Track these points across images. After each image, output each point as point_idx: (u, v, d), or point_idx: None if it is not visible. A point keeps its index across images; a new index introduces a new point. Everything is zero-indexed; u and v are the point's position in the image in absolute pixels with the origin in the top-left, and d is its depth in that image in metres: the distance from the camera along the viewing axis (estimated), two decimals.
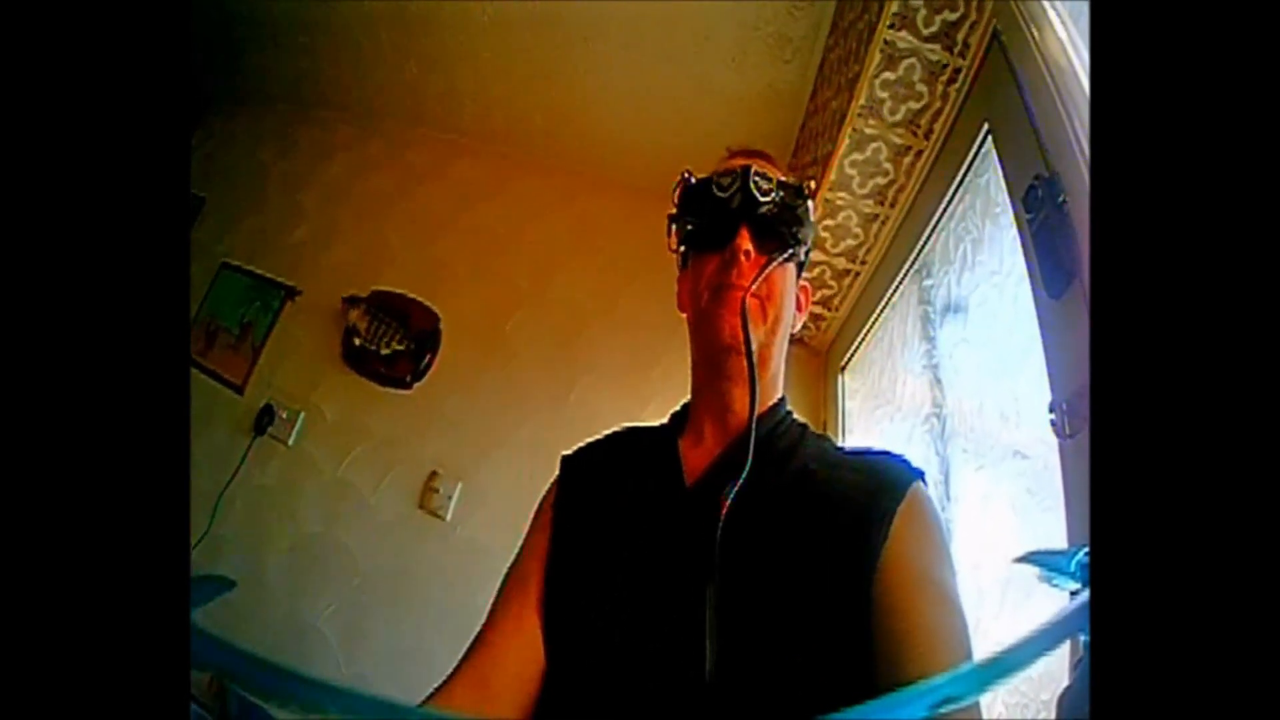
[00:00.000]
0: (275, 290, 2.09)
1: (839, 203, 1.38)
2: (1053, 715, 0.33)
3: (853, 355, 1.59)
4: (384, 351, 1.88)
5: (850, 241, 1.46)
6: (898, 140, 1.23)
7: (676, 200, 0.69)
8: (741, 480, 0.56)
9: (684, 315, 0.70)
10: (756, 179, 0.64)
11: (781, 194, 0.65)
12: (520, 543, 0.67)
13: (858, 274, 1.52)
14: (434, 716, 0.39)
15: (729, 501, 0.55)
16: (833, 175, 1.32)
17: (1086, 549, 0.32)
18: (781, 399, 0.67)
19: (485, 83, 1.95)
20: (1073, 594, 0.33)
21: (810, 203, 0.67)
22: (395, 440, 1.82)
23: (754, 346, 0.59)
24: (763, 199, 0.64)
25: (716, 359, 0.63)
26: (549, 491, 0.69)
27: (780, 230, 0.65)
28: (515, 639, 0.58)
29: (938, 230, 1.19)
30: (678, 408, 0.71)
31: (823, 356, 1.76)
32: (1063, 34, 0.80)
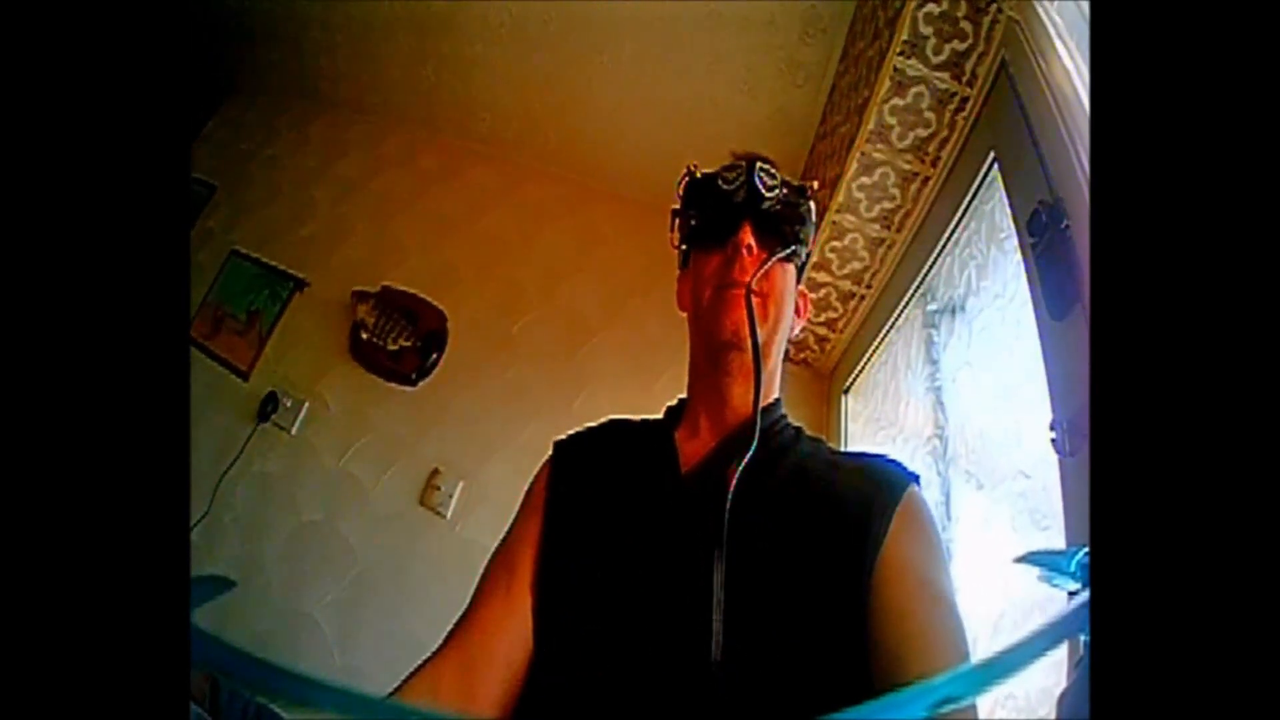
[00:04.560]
0: (284, 280, 2.10)
1: (846, 225, 1.41)
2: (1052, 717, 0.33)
3: (856, 377, 1.61)
4: (391, 347, 1.89)
5: (856, 265, 1.48)
6: (905, 166, 1.26)
7: (680, 194, 0.69)
8: (749, 455, 0.55)
9: (684, 314, 0.70)
10: (761, 174, 0.64)
11: (785, 191, 0.65)
12: (509, 527, 0.66)
13: (863, 297, 1.54)
14: (429, 715, 0.38)
15: (737, 474, 0.54)
16: (840, 198, 1.35)
17: (1086, 549, 0.33)
18: (777, 400, 0.67)
19: (500, 90, 1.99)
20: (1072, 594, 0.35)
21: (812, 204, 0.68)
22: (398, 436, 1.82)
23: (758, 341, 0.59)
24: (767, 194, 0.64)
25: (717, 354, 0.63)
26: (539, 475, 0.68)
27: (783, 227, 0.65)
28: (506, 621, 0.57)
29: (943, 255, 1.21)
30: (673, 403, 0.71)
31: (826, 378, 1.77)
32: (1069, 64, 0.82)
